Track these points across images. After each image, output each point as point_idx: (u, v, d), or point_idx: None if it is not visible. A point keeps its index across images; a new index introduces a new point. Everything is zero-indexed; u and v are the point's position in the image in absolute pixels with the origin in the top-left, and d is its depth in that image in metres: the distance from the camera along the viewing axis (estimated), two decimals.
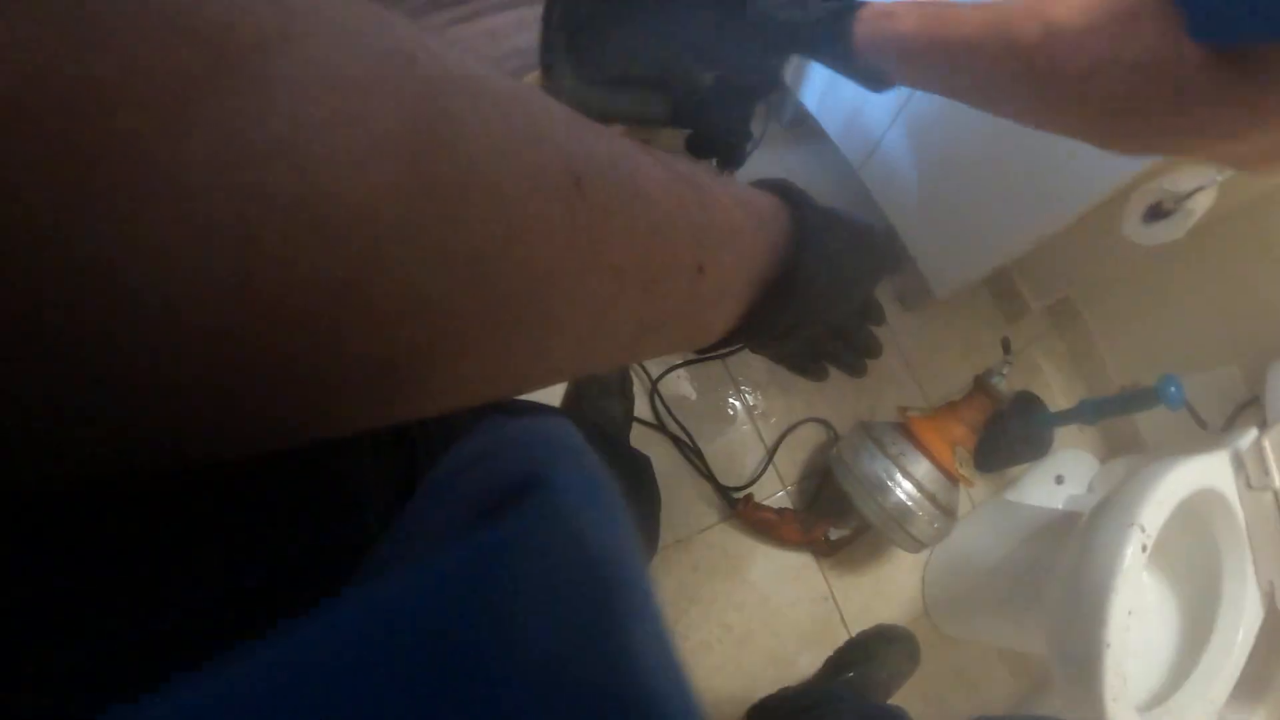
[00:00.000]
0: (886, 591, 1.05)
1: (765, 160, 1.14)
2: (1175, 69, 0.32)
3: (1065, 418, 1.01)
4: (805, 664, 1.01)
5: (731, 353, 0.32)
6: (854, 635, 1.02)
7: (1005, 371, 0.92)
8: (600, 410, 0.92)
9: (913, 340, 1.12)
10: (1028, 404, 1.05)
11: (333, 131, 0.12)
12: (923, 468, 0.90)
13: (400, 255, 0.13)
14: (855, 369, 0.40)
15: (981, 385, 0.93)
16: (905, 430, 0.91)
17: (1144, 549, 0.79)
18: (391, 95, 0.13)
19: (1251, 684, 1.07)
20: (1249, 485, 0.94)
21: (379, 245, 0.13)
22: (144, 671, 0.15)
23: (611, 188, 0.19)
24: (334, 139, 0.12)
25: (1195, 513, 0.92)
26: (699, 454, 0.96)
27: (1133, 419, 1.21)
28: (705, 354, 0.30)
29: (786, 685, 0.98)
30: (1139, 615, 1.03)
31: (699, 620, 0.97)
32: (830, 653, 1.01)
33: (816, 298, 0.29)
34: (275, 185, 0.11)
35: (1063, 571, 0.83)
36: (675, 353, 0.28)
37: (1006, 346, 0.95)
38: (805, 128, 1.14)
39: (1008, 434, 1.05)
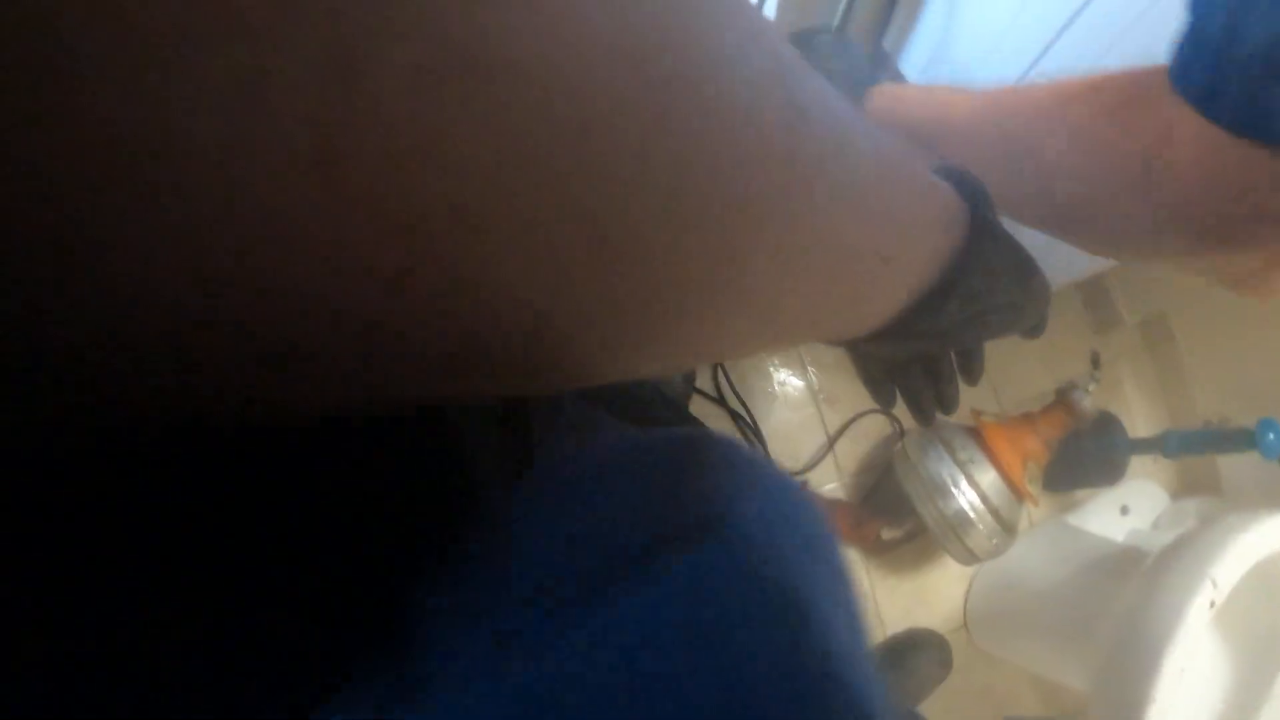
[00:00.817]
0: (929, 599, 1.02)
1: None
2: (1159, 166, 0.29)
3: (1145, 446, 0.95)
4: None
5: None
6: (887, 637, 0.99)
7: (1091, 388, 0.87)
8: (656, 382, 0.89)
9: (994, 341, 1.06)
10: (1106, 425, 0.99)
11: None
12: (989, 478, 0.86)
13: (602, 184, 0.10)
14: (922, 413, 0.37)
15: (1063, 399, 0.87)
16: (976, 436, 0.87)
17: (1211, 604, 0.75)
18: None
19: None
20: None
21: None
22: (266, 647, 0.13)
23: (829, 127, 0.16)
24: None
25: (1269, 575, 0.86)
26: (757, 433, 0.93)
27: (1214, 460, 1.14)
28: (870, 342, 0.26)
29: None
30: (1189, 673, 0.99)
31: None
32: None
33: (971, 310, 0.26)
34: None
35: (1120, 611, 0.79)
36: (817, 343, 0.25)
37: (1096, 361, 0.89)
38: None
39: (1081, 454, 1.00)
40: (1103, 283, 1.10)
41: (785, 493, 0.15)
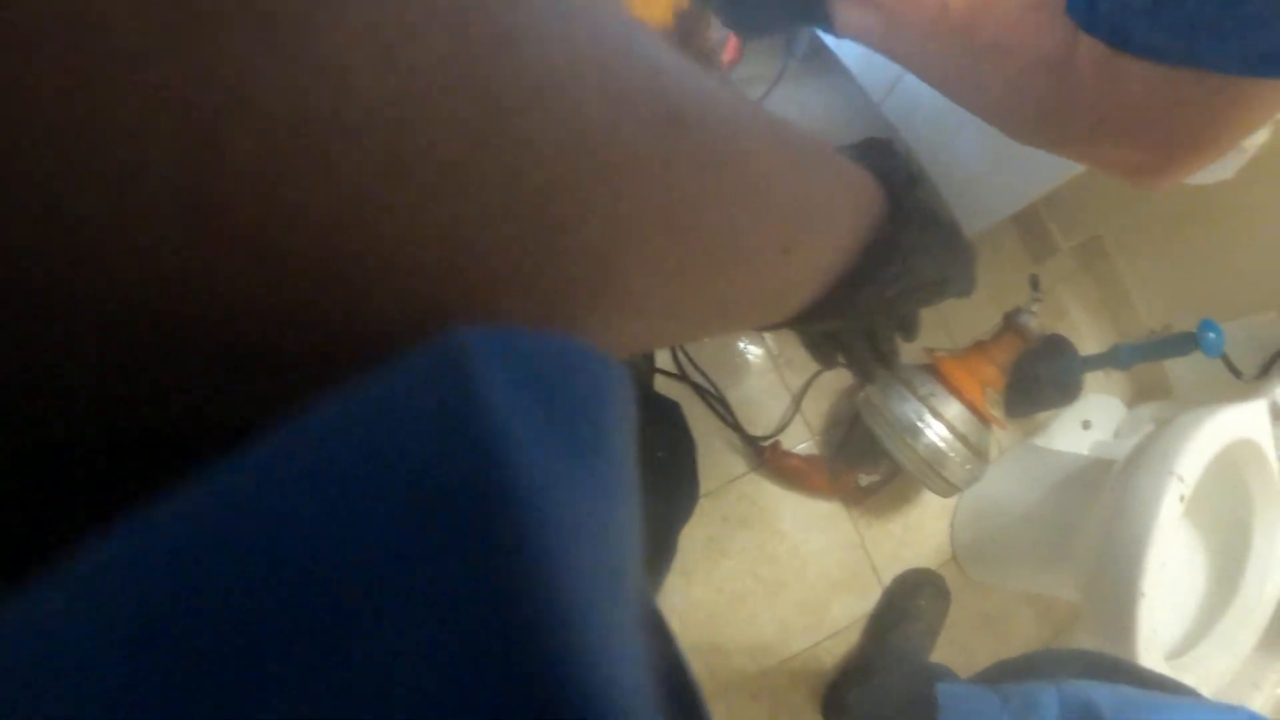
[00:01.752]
0: (915, 538, 1.05)
1: (781, 97, 1.11)
2: (1067, 65, 0.36)
3: (1097, 362, 0.99)
4: (837, 611, 1.00)
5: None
6: (883, 594, 1.01)
7: (1035, 309, 0.90)
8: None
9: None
10: (1057, 347, 1.02)
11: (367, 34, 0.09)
12: (953, 409, 0.88)
13: (433, 182, 0.10)
14: (867, 374, 0.38)
15: (1010, 324, 0.91)
16: (934, 372, 0.90)
17: (1181, 499, 0.78)
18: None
19: (1276, 635, 1.07)
20: None
21: (401, 166, 0.10)
22: None
23: (711, 131, 0.16)
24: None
25: (1229, 463, 0.90)
26: (724, 403, 0.95)
27: (1162, 365, 1.19)
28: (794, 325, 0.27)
29: (819, 637, 0.98)
30: (1169, 565, 1.03)
31: (731, 572, 0.96)
32: (860, 599, 1.01)
33: (892, 291, 0.27)
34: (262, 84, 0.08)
35: (1097, 520, 0.82)
36: (744, 330, 0.25)
37: (1035, 283, 0.93)
38: (820, 61, 1.10)
39: (1037, 378, 1.03)
40: (1036, 213, 1.14)
41: (550, 352, 0.12)
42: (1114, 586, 0.78)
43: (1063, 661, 0.67)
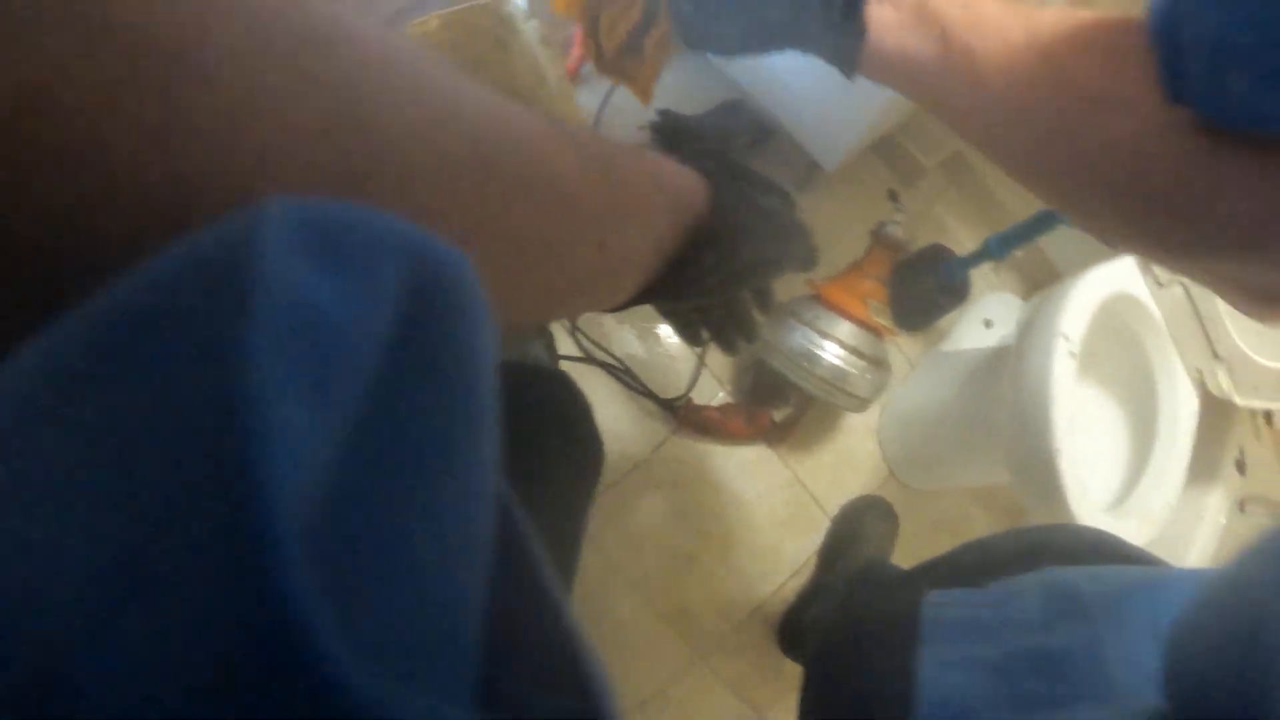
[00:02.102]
0: (848, 463, 1.08)
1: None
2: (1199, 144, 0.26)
3: (974, 259, 1.04)
4: (791, 550, 1.03)
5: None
6: (828, 528, 1.04)
7: (898, 219, 0.95)
8: (524, 353, 0.93)
9: (813, 219, 1.14)
10: (935, 255, 1.07)
11: (246, 125, 0.12)
12: (843, 328, 0.92)
13: None
14: (730, 346, 0.42)
15: (877, 238, 0.95)
16: (817, 298, 0.94)
17: (1072, 355, 0.82)
18: (308, 84, 0.13)
19: (1203, 468, 1.12)
20: (1159, 284, 0.98)
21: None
22: None
23: (518, 171, 0.20)
24: (245, 132, 0.12)
25: (1116, 320, 0.96)
26: (630, 374, 0.98)
27: (1045, 253, 1.25)
28: (634, 304, 0.31)
29: (780, 579, 1.00)
30: (1087, 428, 1.07)
31: (677, 535, 0.98)
32: (810, 534, 1.04)
33: (716, 277, 0.31)
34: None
35: (1005, 398, 0.86)
36: (583, 313, 0.29)
37: (894, 196, 0.98)
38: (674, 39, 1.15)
39: (925, 288, 1.08)
40: (896, 142, 1.20)
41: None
42: (1031, 453, 0.81)
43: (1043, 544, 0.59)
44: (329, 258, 0.11)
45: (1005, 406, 0.86)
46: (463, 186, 0.17)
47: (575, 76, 1.13)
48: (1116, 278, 0.91)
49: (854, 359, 0.92)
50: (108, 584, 0.08)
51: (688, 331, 0.41)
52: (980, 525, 1.14)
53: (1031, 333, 0.85)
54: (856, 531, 1.02)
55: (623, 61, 0.54)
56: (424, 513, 0.11)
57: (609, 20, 0.52)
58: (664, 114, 1.08)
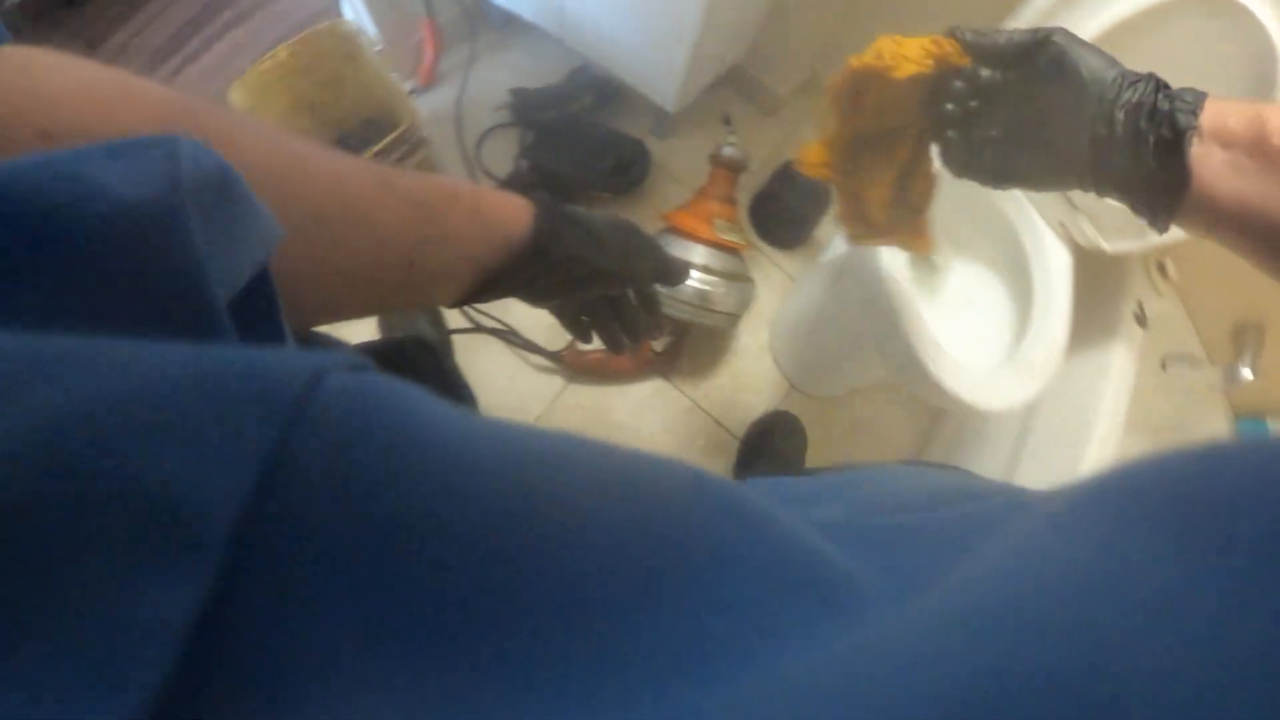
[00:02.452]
0: (746, 383, 1.12)
1: (489, 68, 1.22)
2: None
3: None
4: None
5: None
6: (737, 451, 1.09)
7: (732, 140, 1.00)
8: (411, 326, 0.99)
9: (676, 161, 1.20)
10: (790, 170, 1.12)
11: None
12: (697, 251, 0.97)
13: None
14: (615, 344, 0.47)
15: (715, 160, 1.00)
16: (669, 228, 0.99)
17: None
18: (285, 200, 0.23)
19: (1102, 325, 1.14)
20: None
21: None
22: None
23: (347, 224, 0.27)
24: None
25: (966, 193, 0.99)
26: (515, 334, 1.04)
27: None
28: (473, 300, 0.37)
29: None
30: (970, 303, 1.10)
31: None
32: (719, 457, 1.08)
33: (542, 284, 0.38)
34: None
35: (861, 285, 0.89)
36: (411, 307, 0.36)
37: (727, 120, 1.03)
38: (512, 25, 1.22)
39: (786, 204, 1.13)
40: (746, 74, 1.24)
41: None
42: (882, 328, 0.84)
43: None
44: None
45: (856, 292, 0.90)
46: (299, 240, 0.24)
47: (431, 78, 1.20)
48: None
49: (713, 279, 0.96)
50: None
51: (576, 329, 0.47)
52: (898, 420, 1.17)
53: None
54: (761, 448, 1.07)
55: (894, 222, 0.54)
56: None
57: (874, 192, 0.52)
58: (515, 93, 1.15)
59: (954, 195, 1.01)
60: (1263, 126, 0.31)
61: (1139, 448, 1.16)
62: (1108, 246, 1.04)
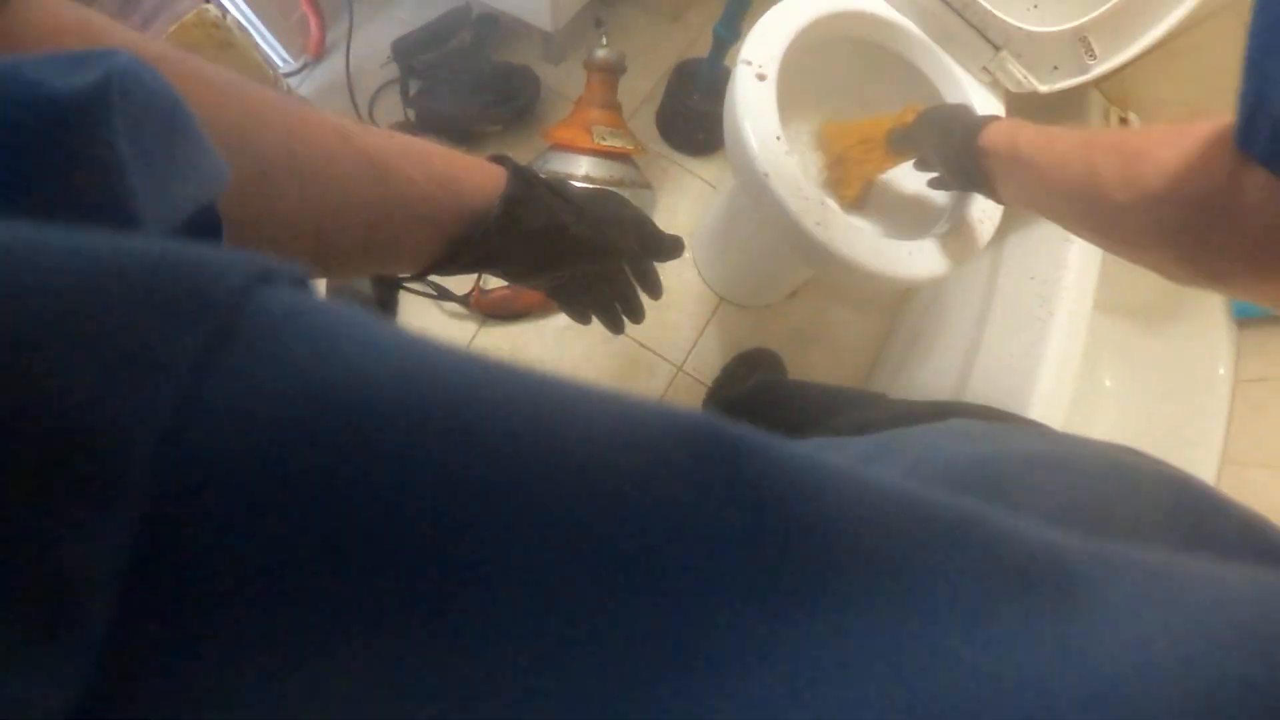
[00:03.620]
0: (669, 300, 1.06)
1: (377, 25, 1.20)
2: (1232, 199, 0.34)
3: (714, 55, 1.00)
4: None
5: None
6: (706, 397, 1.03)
7: (603, 42, 0.94)
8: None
9: (573, 83, 1.14)
10: (685, 70, 1.05)
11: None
12: (582, 163, 0.92)
13: None
14: (614, 325, 0.46)
15: (589, 65, 0.94)
16: (551, 147, 0.94)
17: (760, 78, 0.78)
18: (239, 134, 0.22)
19: None
20: None
21: None
22: None
23: (295, 176, 0.26)
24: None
25: (882, 53, 0.90)
26: (426, 282, 1.01)
27: None
28: (429, 273, 0.36)
29: None
30: (904, 177, 1.01)
31: None
32: (648, 378, 1.02)
33: (509, 248, 0.36)
34: None
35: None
36: (374, 273, 0.35)
37: (598, 22, 0.97)
38: None
39: (688, 105, 1.05)
40: None
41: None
42: (751, 187, 0.77)
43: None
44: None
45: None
46: (252, 189, 0.24)
47: (321, 50, 1.19)
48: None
49: (608, 190, 0.91)
50: None
51: (574, 312, 0.45)
52: (841, 319, 1.09)
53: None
54: (739, 375, 1.01)
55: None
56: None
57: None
58: (395, 44, 1.12)
59: (868, 64, 0.93)
60: (1014, 141, 0.52)
61: (1119, 329, 1.04)
62: (1042, 86, 0.93)
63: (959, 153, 0.58)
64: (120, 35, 0.21)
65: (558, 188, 0.37)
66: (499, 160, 0.36)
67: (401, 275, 0.34)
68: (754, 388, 0.93)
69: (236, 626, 0.08)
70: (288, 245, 0.26)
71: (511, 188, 0.34)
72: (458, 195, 0.32)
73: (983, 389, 0.96)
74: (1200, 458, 1.02)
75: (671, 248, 0.44)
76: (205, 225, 0.16)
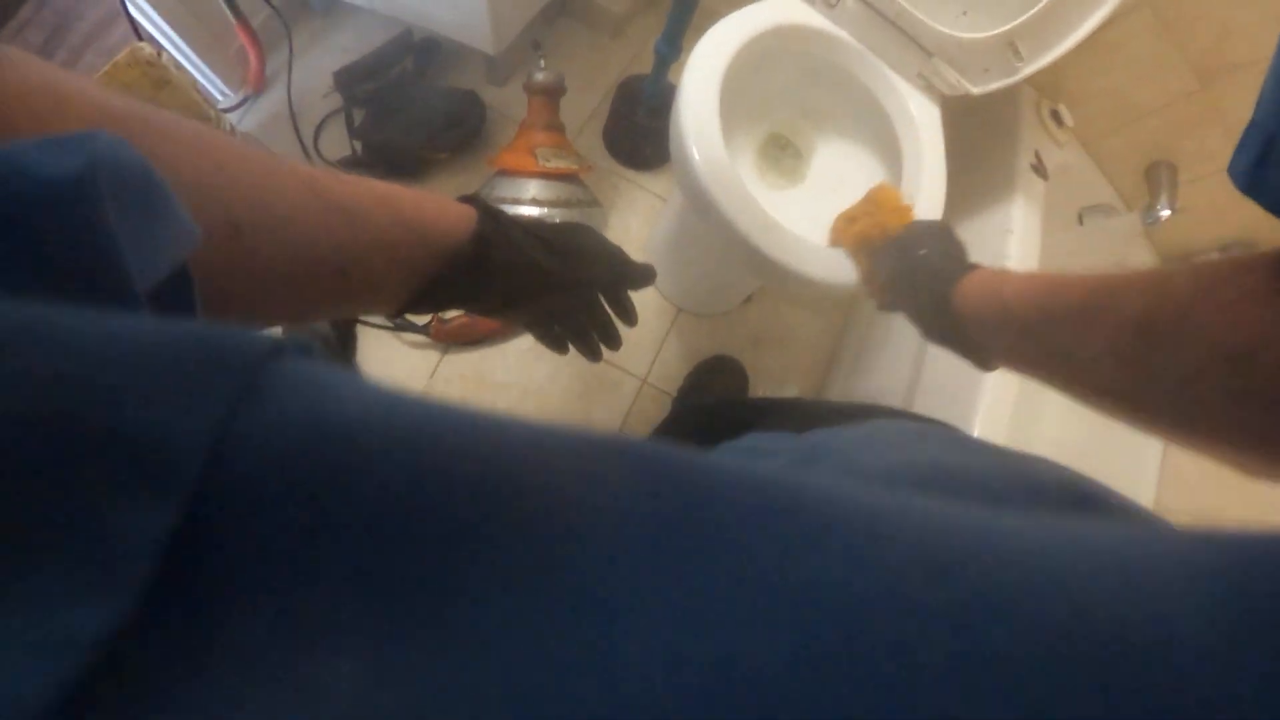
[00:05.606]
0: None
1: (318, 55, 1.19)
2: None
3: (656, 72, 1.02)
4: (601, 415, 1.03)
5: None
6: (699, 410, 1.03)
7: (543, 64, 0.95)
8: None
9: (519, 105, 1.14)
10: (630, 86, 1.06)
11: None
12: (529, 187, 0.92)
13: None
14: (591, 352, 0.47)
15: (529, 88, 0.95)
16: (499, 172, 0.94)
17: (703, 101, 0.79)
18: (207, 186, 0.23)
19: (999, 180, 1.06)
20: (829, 5, 0.93)
21: None
22: None
23: (266, 229, 0.26)
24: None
25: (822, 65, 0.92)
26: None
27: None
28: (402, 314, 0.36)
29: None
30: (841, 178, 1.03)
31: None
32: (613, 394, 1.04)
33: (489, 292, 0.36)
34: None
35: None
36: (349, 316, 0.34)
37: (536, 45, 0.97)
38: (337, 6, 1.19)
39: (634, 122, 1.07)
40: (581, 0, 1.19)
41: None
42: (699, 205, 0.78)
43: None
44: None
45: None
46: (217, 248, 0.24)
47: (261, 82, 1.17)
48: (773, 13, 0.87)
49: (556, 210, 0.92)
50: None
51: (551, 342, 0.46)
52: (797, 321, 1.11)
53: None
54: (707, 388, 1.02)
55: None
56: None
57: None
58: (337, 74, 1.11)
59: (808, 75, 0.94)
60: (999, 290, 0.43)
61: None
62: (974, 89, 0.96)
63: (935, 315, 0.49)
64: (88, 95, 0.21)
65: (527, 224, 0.38)
66: (468, 200, 0.36)
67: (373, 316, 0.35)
68: (715, 405, 0.94)
69: (255, 595, 0.10)
70: (261, 296, 0.27)
71: (481, 226, 0.35)
72: (427, 237, 0.33)
73: (935, 382, 0.99)
74: (1143, 446, 1.07)
75: (644, 276, 0.45)
76: (179, 285, 0.18)
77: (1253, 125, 0.27)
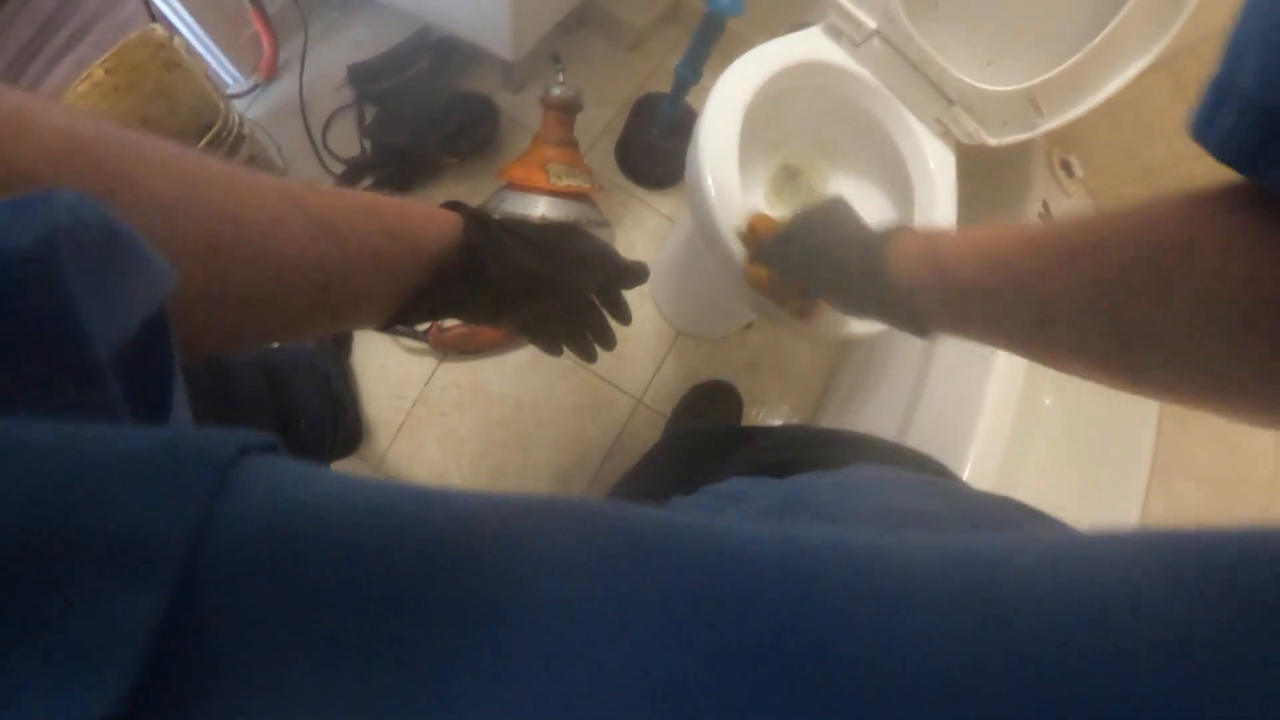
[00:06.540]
0: (627, 333, 1.05)
1: (333, 47, 1.17)
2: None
3: (675, 93, 1.01)
4: (594, 433, 1.03)
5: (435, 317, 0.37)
6: (691, 434, 1.03)
7: (561, 79, 0.94)
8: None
9: (533, 114, 1.14)
10: (646, 106, 1.05)
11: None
12: (539, 203, 0.92)
13: None
14: (586, 354, 0.46)
15: (545, 102, 0.94)
16: (508, 186, 0.93)
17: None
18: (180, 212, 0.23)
19: (991, 220, 1.07)
20: (854, 44, 0.93)
21: None
22: None
23: (245, 248, 0.25)
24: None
25: (841, 102, 0.91)
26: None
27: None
28: (404, 320, 0.35)
29: (595, 463, 1.00)
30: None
31: (477, 454, 0.99)
32: (609, 412, 1.04)
33: (477, 300, 0.36)
34: None
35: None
36: (334, 333, 0.33)
37: (555, 58, 0.96)
38: (350, 5, 1.17)
39: (648, 141, 1.06)
40: (602, 11, 1.17)
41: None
42: (708, 236, 0.78)
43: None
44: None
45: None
46: (197, 267, 0.24)
47: (273, 71, 1.15)
48: (795, 51, 0.86)
49: (563, 223, 0.91)
50: None
51: (543, 343, 0.45)
52: (794, 350, 1.12)
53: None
54: (701, 412, 1.02)
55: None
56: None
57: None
58: (352, 69, 1.10)
59: (826, 110, 0.94)
60: (934, 249, 0.41)
61: None
62: (991, 140, 0.96)
63: (867, 285, 0.46)
64: (54, 123, 0.21)
65: (515, 228, 0.37)
66: (453, 206, 0.35)
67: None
68: (705, 432, 0.95)
69: (239, 669, 0.11)
70: (244, 316, 0.26)
71: (468, 234, 0.34)
72: (414, 247, 0.32)
73: (931, 413, 0.99)
74: (1132, 470, 1.08)
75: (636, 274, 0.44)
76: (154, 330, 0.18)
77: (1211, 79, 0.26)
